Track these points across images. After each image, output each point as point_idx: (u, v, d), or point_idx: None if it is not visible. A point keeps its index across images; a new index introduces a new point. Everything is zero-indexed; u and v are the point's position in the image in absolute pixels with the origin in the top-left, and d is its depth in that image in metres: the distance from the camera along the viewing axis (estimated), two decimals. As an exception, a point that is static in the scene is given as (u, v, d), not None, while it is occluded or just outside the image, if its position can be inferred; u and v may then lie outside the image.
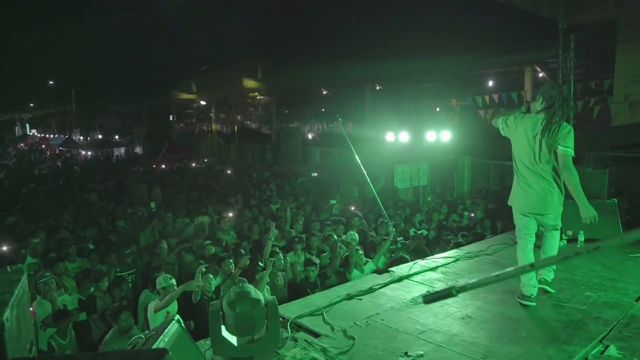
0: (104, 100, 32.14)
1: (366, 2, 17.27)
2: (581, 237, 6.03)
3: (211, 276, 5.52)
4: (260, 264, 5.77)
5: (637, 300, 4.17)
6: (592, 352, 3.23)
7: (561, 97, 4.09)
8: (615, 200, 6.53)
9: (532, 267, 1.58)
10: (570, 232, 6.18)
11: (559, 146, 3.97)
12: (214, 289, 5.51)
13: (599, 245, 1.30)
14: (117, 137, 37.78)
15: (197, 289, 5.09)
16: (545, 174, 4.07)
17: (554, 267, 4.49)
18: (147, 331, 3.38)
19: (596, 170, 7.07)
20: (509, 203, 4.41)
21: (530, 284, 4.15)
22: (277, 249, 6.38)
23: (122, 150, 34.55)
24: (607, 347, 3.28)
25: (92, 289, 5.71)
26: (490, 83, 16.83)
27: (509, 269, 1.42)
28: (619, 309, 3.97)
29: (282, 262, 6.12)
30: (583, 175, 6.60)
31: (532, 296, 4.15)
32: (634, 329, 3.57)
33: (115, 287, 5.55)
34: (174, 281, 5.07)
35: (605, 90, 11.50)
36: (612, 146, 10.23)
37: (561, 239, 6.02)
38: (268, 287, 5.61)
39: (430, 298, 1.55)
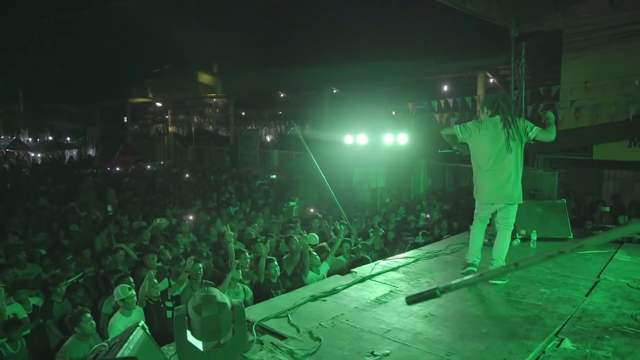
0: (54, 101, 30.80)
1: (323, 6, 17.36)
2: (534, 236, 6.30)
3: (154, 276, 5.31)
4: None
5: (587, 295, 4.41)
6: (549, 346, 3.38)
7: (504, 101, 4.73)
8: (565, 200, 6.87)
9: (516, 266, 1.63)
10: (523, 232, 6.43)
11: (529, 135, 4.62)
12: (159, 293, 5.33)
13: (582, 243, 1.38)
14: (68, 138, 36.26)
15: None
16: (512, 163, 4.59)
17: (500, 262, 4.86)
18: (110, 339, 3.28)
19: (546, 172, 7.40)
20: (476, 195, 4.89)
21: (472, 253, 4.91)
22: (243, 249, 6.38)
23: (75, 152, 33.27)
24: (562, 340, 3.44)
25: (34, 300, 5.39)
26: (445, 88, 17.25)
27: (494, 269, 1.48)
28: (571, 304, 4.17)
29: (248, 262, 6.10)
30: (534, 177, 6.97)
31: (475, 262, 4.87)
32: (585, 322, 3.76)
33: (72, 293, 5.34)
34: (132, 292, 4.92)
35: (553, 96, 11.98)
36: (559, 149, 10.70)
37: (515, 238, 6.29)
38: (247, 287, 5.61)
39: (415, 299, 1.56)
